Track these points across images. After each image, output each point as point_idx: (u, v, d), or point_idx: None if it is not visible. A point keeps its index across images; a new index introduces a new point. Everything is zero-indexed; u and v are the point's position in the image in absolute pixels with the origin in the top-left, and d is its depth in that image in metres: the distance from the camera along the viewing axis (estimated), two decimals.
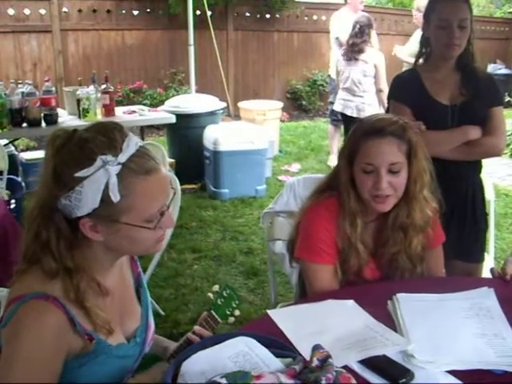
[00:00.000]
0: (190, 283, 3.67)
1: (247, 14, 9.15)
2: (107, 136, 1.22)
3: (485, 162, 2.49)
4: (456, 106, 2.31)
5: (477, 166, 2.45)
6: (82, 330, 1.23)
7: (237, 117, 7.21)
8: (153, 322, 1.50)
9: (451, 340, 1.42)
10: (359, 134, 1.76)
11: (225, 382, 0.96)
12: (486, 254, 2.63)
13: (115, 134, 1.23)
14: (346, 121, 5.54)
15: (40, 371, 1.18)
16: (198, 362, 1.13)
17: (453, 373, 1.30)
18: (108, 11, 7.90)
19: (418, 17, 5.65)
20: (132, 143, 1.22)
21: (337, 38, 6.24)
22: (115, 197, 1.18)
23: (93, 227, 1.22)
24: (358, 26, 5.32)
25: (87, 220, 1.21)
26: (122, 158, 1.19)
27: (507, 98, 10.36)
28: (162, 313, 3.20)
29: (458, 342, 1.41)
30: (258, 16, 9.20)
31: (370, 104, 5.36)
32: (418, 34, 5.75)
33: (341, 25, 6.14)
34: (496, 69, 11.35)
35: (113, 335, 1.31)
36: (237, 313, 1.49)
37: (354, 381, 1.08)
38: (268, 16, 9.24)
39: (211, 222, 4.75)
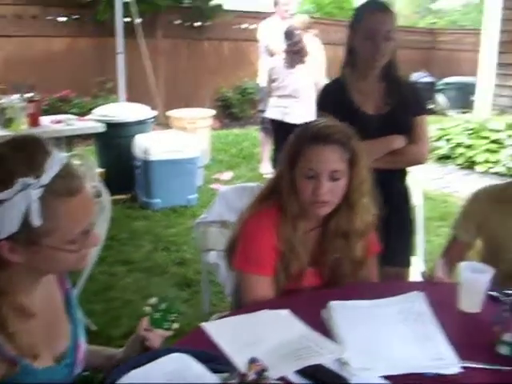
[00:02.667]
0: (122, 296, 3.58)
1: (177, 22, 9.09)
2: (28, 154, 1.14)
3: (413, 168, 2.55)
4: (381, 115, 2.36)
5: (401, 174, 2.51)
6: (5, 356, 1.16)
7: (167, 125, 7.13)
8: (84, 341, 1.44)
9: (385, 346, 1.44)
10: (304, 138, 1.77)
11: None
12: (415, 258, 2.70)
13: (37, 151, 1.15)
14: (281, 128, 5.54)
15: None
16: (133, 380, 1.09)
17: (387, 378, 1.32)
18: (33, 17, 7.66)
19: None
20: (55, 162, 1.15)
21: (266, 47, 6.30)
22: (36, 221, 1.11)
23: (11, 250, 1.15)
24: (295, 33, 5.40)
25: (5, 242, 1.13)
26: (45, 179, 1.12)
27: (431, 105, 10.74)
28: (94, 328, 3.10)
29: (391, 348, 1.44)
30: (188, 24, 9.16)
31: (311, 111, 5.42)
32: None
33: (270, 33, 6.20)
34: (420, 77, 11.75)
35: (39, 358, 1.24)
36: (175, 326, 1.44)
37: None
38: (198, 24, 9.21)
39: (143, 233, 4.66)
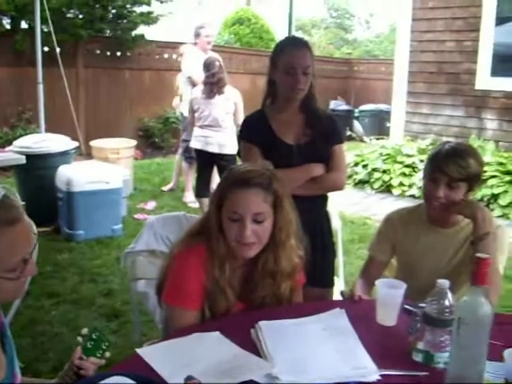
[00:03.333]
0: (49, 330, 3.52)
1: (98, 52, 9.07)
2: None
3: (332, 193, 2.70)
4: (300, 145, 2.49)
5: (322, 200, 2.65)
6: None
7: (89, 155, 7.07)
8: (19, 372, 1.46)
9: (311, 359, 1.55)
10: (228, 182, 1.84)
11: None
12: (336, 279, 2.83)
13: None
14: (204, 157, 5.63)
15: None
16: None
17: None
18: None
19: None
20: None
21: (189, 77, 6.42)
22: None
23: None
24: (216, 64, 5.53)
25: None
26: None
27: (348, 132, 11.16)
28: (21, 365, 3.03)
29: (316, 361, 1.54)
30: (109, 53, 9.16)
31: (231, 140, 5.54)
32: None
33: (192, 64, 6.33)
34: (337, 105, 12.22)
35: None
36: (107, 355, 1.50)
37: None
38: (119, 54, 9.22)
39: (67, 265, 4.59)
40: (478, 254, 1.42)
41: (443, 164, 2.15)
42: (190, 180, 6.46)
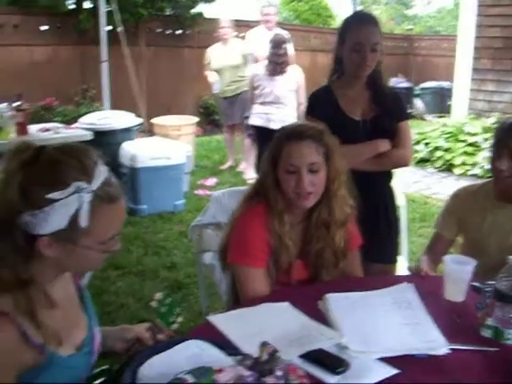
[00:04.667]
0: (116, 300, 3.66)
1: (158, 30, 9.19)
2: (80, 160, 1.25)
3: (396, 170, 2.69)
4: (366, 121, 2.48)
5: (387, 176, 2.63)
6: (33, 344, 1.25)
7: (151, 133, 7.21)
8: (98, 332, 1.54)
9: (379, 331, 1.57)
10: (281, 138, 1.94)
11: (189, 377, 1.03)
12: (400, 257, 2.83)
13: (87, 159, 1.26)
14: (265, 134, 5.67)
15: None
16: (154, 367, 1.19)
17: (383, 360, 1.44)
18: (15, 26, 7.71)
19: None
20: (102, 170, 1.26)
21: (251, 54, 6.46)
22: (84, 223, 1.22)
23: (49, 245, 1.25)
24: (283, 46, 5.54)
25: (46, 238, 1.23)
26: (94, 185, 1.23)
27: (409, 110, 10.94)
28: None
29: (385, 332, 1.56)
30: (169, 32, 9.27)
31: (293, 117, 5.56)
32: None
33: (256, 41, 6.36)
34: (398, 82, 11.97)
35: (63, 347, 1.33)
36: (180, 319, 1.56)
37: (300, 371, 1.18)
38: (179, 32, 9.32)
39: (132, 238, 4.73)
40: None
41: (506, 136, 2.14)
42: (251, 156, 6.51)
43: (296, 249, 1.96)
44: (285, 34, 6.11)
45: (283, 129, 2.00)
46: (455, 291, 1.80)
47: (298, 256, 1.98)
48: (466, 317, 1.69)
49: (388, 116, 2.49)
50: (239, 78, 6.69)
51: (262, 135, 5.70)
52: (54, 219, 1.21)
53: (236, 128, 6.99)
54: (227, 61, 6.72)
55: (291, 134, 1.92)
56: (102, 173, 1.26)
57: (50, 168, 1.23)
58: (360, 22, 2.47)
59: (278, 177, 1.92)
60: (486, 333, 1.60)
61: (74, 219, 1.22)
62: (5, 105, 4.25)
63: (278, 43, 5.58)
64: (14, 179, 1.22)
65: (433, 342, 1.53)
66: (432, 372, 1.43)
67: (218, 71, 6.74)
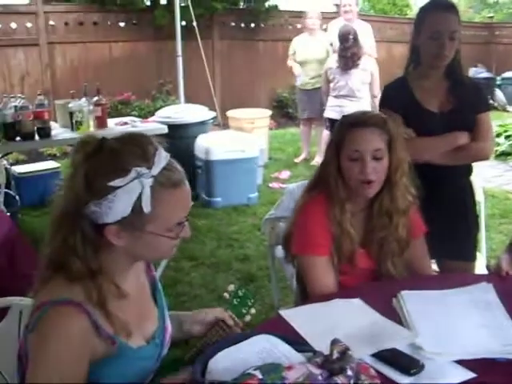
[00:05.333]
0: (189, 291, 3.72)
1: (232, 24, 9.26)
2: (140, 148, 1.28)
3: (475, 164, 2.58)
4: (444, 113, 2.39)
5: (467, 170, 2.54)
6: (104, 334, 1.28)
7: (225, 126, 7.28)
8: (170, 324, 1.56)
9: (456, 332, 1.51)
10: (345, 126, 1.93)
11: (258, 373, 1.03)
12: (478, 254, 2.72)
13: (147, 146, 1.29)
14: None
15: (67, 375, 1.22)
16: (224, 360, 1.20)
17: (460, 362, 1.39)
18: (94, 23, 7.98)
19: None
20: (162, 156, 1.28)
21: (331, 45, 6.41)
22: (147, 208, 1.24)
23: (117, 233, 1.28)
24: (349, 37, 5.47)
25: (113, 227, 1.26)
26: (155, 170, 1.25)
27: (489, 102, 10.55)
28: None
29: (462, 334, 1.50)
30: (243, 25, 9.32)
31: (367, 109, 5.49)
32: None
33: (333, 33, 6.30)
34: (477, 73, 11.55)
35: (133, 337, 1.36)
36: (253, 311, 1.56)
37: (372, 370, 1.16)
38: (253, 25, 9.36)
39: (206, 231, 4.80)
40: None
41: None
42: None
43: (358, 237, 1.95)
44: (365, 25, 6.02)
45: (346, 117, 2.00)
46: None
47: (361, 245, 1.97)
48: None
49: (467, 108, 2.39)
50: (316, 72, 6.61)
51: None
52: (117, 206, 1.23)
53: (313, 121, 6.93)
54: (313, 53, 6.68)
55: (355, 121, 1.92)
56: (162, 158, 1.28)
57: (111, 157, 1.26)
58: (437, 9, 2.37)
59: (340, 165, 1.91)
60: None
61: (138, 205, 1.24)
62: (84, 100, 4.39)
63: (344, 37, 5.51)
64: (79, 171, 1.26)
65: None
66: None
67: (302, 63, 6.73)
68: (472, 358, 1.40)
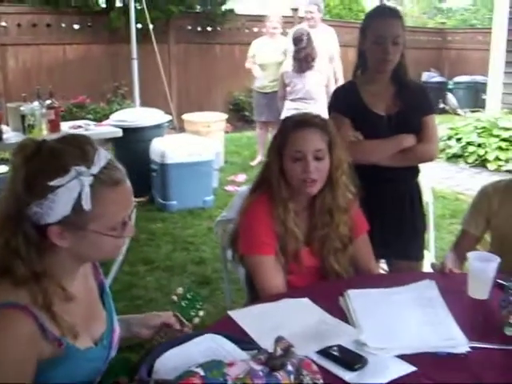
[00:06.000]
0: (144, 294, 3.71)
1: (189, 27, 9.25)
2: (79, 148, 1.29)
3: (423, 166, 2.65)
4: (391, 116, 2.45)
5: (413, 171, 2.60)
6: (51, 336, 1.28)
7: (181, 129, 7.26)
8: (118, 326, 1.56)
9: (399, 328, 1.56)
10: (287, 127, 1.99)
11: (200, 370, 1.04)
12: (426, 253, 2.80)
13: (86, 146, 1.30)
14: None
15: (12, 377, 1.22)
16: (171, 359, 1.21)
17: (402, 357, 1.43)
18: (48, 25, 7.85)
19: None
20: (102, 156, 1.30)
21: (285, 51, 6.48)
22: (87, 206, 1.25)
23: (60, 234, 1.28)
24: (303, 39, 5.52)
25: (56, 227, 1.27)
26: (94, 169, 1.27)
27: (441, 105, 10.80)
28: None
29: (405, 330, 1.55)
30: (200, 29, 9.32)
31: (324, 112, 5.54)
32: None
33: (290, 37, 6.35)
34: (430, 77, 11.82)
35: (80, 339, 1.36)
36: (201, 313, 1.57)
37: (314, 366, 1.18)
38: (209, 29, 9.36)
39: (161, 234, 4.79)
40: None
41: None
42: None
43: (302, 235, 2.00)
44: (329, 30, 6.10)
45: (287, 118, 2.06)
46: (479, 288, 1.77)
47: (305, 243, 2.01)
48: (489, 315, 1.67)
49: (413, 110, 2.46)
50: (274, 76, 6.66)
51: None
52: (58, 206, 1.24)
53: (270, 125, 6.98)
54: (272, 57, 6.74)
55: (296, 123, 1.97)
56: (102, 158, 1.30)
57: (50, 157, 1.27)
58: (381, 14, 2.46)
59: (282, 166, 1.96)
60: (509, 331, 1.57)
61: (78, 204, 1.25)
62: (37, 103, 4.32)
63: (297, 39, 5.57)
64: (19, 173, 1.27)
65: (453, 339, 1.51)
66: (452, 370, 1.41)
67: (261, 66, 6.80)
68: (414, 353, 1.44)
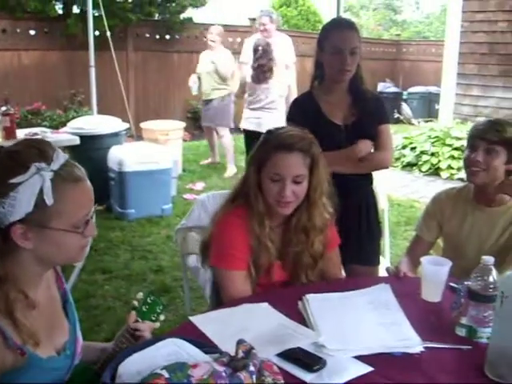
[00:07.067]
0: (103, 303, 3.67)
1: (147, 35, 9.22)
2: (38, 148, 1.31)
3: (379, 174, 2.73)
4: (348, 125, 2.52)
5: (368, 179, 2.67)
6: (13, 345, 1.27)
7: (139, 137, 7.22)
8: (81, 336, 1.56)
9: (356, 330, 1.61)
10: (270, 146, 1.95)
11: (165, 372, 1.06)
12: (382, 259, 2.87)
13: (45, 146, 1.32)
14: (255, 138, 5.69)
15: None
16: (134, 364, 1.22)
17: (359, 358, 1.48)
18: (3, 31, 7.71)
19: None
20: (61, 155, 1.32)
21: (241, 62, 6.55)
22: (49, 200, 1.26)
23: (23, 234, 1.28)
24: (258, 49, 5.58)
25: (19, 227, 1.27)
26: (54, 166, 1.29)
27: (396, 115, 11.04)
28: None
29: (361, 332, 1.60)
30: (158, 37, 9.31)
31: (283, 121, 5.60)
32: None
33: (246, 48, 6.41)
34: (386, 87, 12.07)
35: (42, 348, 1.35)
36: (162, 318, 1.58)
37: (276, 368, 1.22)
38: (168, 37, 9.36)
39: (119, 243, 4.76)
40: None
41: (481, 130, 2.22)
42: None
43: (276, 251, 2.00)
44: (285, 39, 6.19)
45: (272, 135, 2.00)
46: (431, 291, 1.84)
47: (278, 257, 2.02)
48: (441, 316, 1.73)
49: (369, 120, 2.53)
50: (216, 83, 7.01)
51: (253, 139, 5.72)
52: (21, 203, 1.25)
53: (213, 130, 7.37)
54: (205, 67, 7.05)
55: (280, 144, 1.92)
56: (61, 157, 1.32)
57: (9, 158, 1.30)
58: (338, 27, 2.53)
59: (260, 181, 1.95)
60: (461, 331, 1.63)
61: (40, 199, 1.26)
62: None
63: (254, 49, 5.64)
64: None
65: (408, 340, 1.56)
66: (407, 370, 1.46)
67: (199, 75, 7.11)
68: (371, 353, 1.49)
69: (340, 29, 2.49)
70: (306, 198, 1.96)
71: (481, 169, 2.20)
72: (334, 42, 2.45)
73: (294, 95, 5.69)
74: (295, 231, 2.00)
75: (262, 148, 1.98)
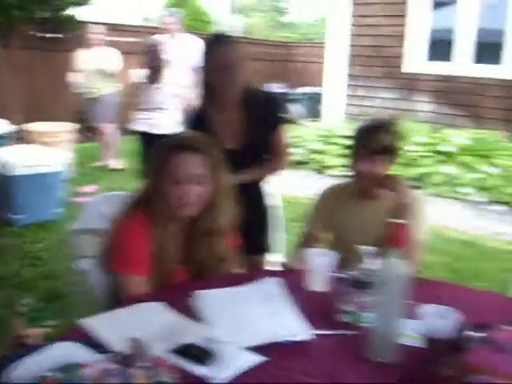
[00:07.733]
0: None
1: (32, 33, 8.86)
2: None
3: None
4: (241, 149, 2.56)
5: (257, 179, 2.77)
6: None
7: (28, 140, 6.94)
8: None
9: (246, 322, 1.67)
10: (168, 149, 1.95)
11: (54, 374, 1.06)
12: (277, 254, 2.97)
13: None
14: (149, 139, 5.63)
15: None
16: (25, 368, 1.20)
17: (252, 349, 1.54)
18: None
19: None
20: None
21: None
22: None
23: None
24: (148, 50, 5.55)
25: None
26: None
27: (284, 117, 11.27)
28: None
29: (251, 323, 1.67)
30: (45, 36, 8.97)
31: (175, 120, 5.60)
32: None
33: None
34: (274, 88, 12.31)
35: None
36: (51, 322, 1.56)
37: (169, 363, 1.25)
38: (54, 36, 9.05)
39: (9, 250, 4.57)
40: (394, 220, 1.57)
41: (365, 139, 2.34)
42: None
43: (179, 255, 2.00)
44: (193, 39, 6.22)
45: (169, 139, 2.01)
46: (317, 282, 1.96)
47: (181, 262, 2.02)
48: (328, 304, 1.82)
49: (263, 128, 2.59)
50: (99, 82, 7.17)
51: (146, 140, 5.70)
52: None
53: (101, 129, 7.43)
54: (88, 65, 7.13)
55: (178, 145, 1.94)
56: None
57: None
58: (218, 43, 2.53)
59: (162, 186, 1.93)
60: (346, 318, 1.75)
61: None
62: None
63: (144, 50, 5.61)
64: None
65: (296, 328, 1.65)
66: (297, 357, 1.54)
67: (84, 73, 7.16)
68: (261, 344, 1.56)
69: (219, 45, 2.51)
70: (210, 202, 1.98)
71: (365, 176, 2.34)
72: (218, 58, 2.46)
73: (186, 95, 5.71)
74: (199, 235, 2.01)
75: (161, 154, 1.98)
